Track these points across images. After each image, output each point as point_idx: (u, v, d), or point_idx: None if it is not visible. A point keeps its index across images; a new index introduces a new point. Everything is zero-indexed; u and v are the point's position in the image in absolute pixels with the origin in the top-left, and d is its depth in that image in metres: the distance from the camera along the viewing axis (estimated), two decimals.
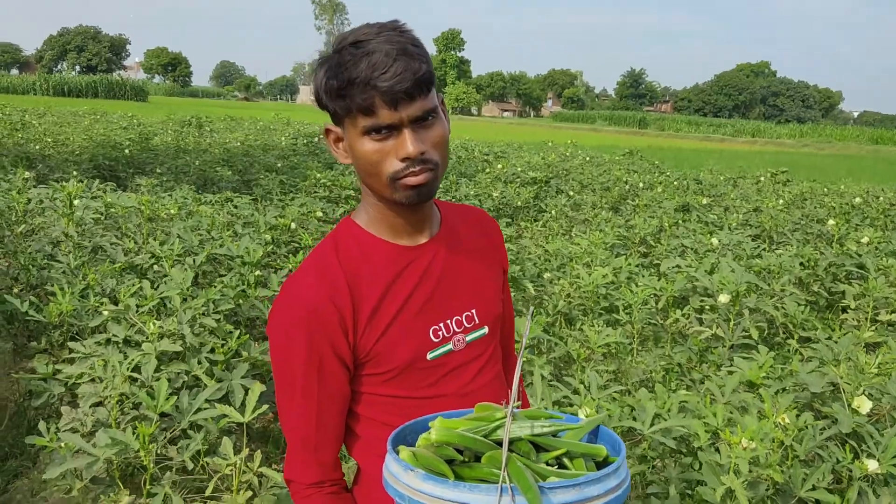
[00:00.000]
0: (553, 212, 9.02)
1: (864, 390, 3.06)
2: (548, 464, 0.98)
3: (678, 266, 5.65)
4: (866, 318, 5.49)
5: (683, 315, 5.04)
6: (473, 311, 1.30)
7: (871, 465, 2.68)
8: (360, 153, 1.14)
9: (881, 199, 11.62)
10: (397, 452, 0.97)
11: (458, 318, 1.28)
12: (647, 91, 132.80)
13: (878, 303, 5.54)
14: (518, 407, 1.14)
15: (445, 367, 1.25)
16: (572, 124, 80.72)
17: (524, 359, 1.43)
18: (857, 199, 11.09)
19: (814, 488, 2.59)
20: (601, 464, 1.02)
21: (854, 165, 30.47)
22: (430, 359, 1.23)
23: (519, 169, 12.25)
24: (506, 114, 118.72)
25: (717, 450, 2.75)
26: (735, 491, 2.38)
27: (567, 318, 5.33)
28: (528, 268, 6.15)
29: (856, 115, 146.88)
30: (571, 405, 3.19)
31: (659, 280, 5.50)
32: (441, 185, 10.59)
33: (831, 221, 7.63)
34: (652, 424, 2.89)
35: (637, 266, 6.34)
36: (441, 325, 1.25)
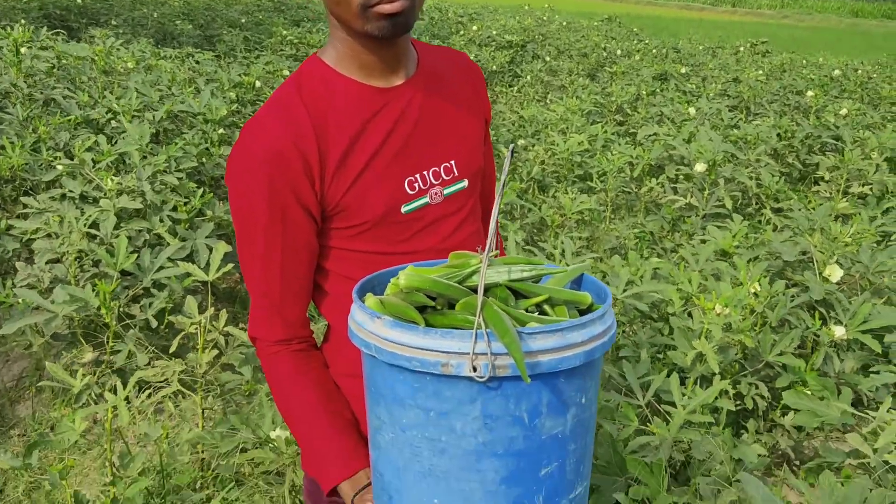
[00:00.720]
0: (529, 77, 8.74)
1: (836, 259, 3.05)
2: (527, 311, 0.89)
3: (655, 134, 5.54)
4: (838, 190, 5.48)
5: (658, 184, 4.97)
6: (452, 162, 1.18)
7: (838, 332, 2.70)
8: None
9: (859, 71, 11.46)
10: (363, 301, 0.87)
11: (436, 169, 1.15)
12: None
13: (851, 175, 5.53)
14: (495, 256, 1.05)
15: (421, 221, 1.14)
16: None
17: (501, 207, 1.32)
18: (836, 72, 10.92)
19: (781, 353, 2.62)
20: (585, 312, 0.94)
21: (833, 38, 29.96)
22: (405, 212, 1.12)
23: (494, 32, 11.78)
24: None
25: (690, 315, 2.75)
26: (706, 355, 2.38)
27: (540, 185, 5.24)
28: (502, 134, 5.98)
29: None
30: None
31: (635, 148, 5.39)
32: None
33: (810, 93, 7.50)
34: (625, 290, 2.87)
35: (613, 134, 6.21)
36: (417, 176, 1.13)
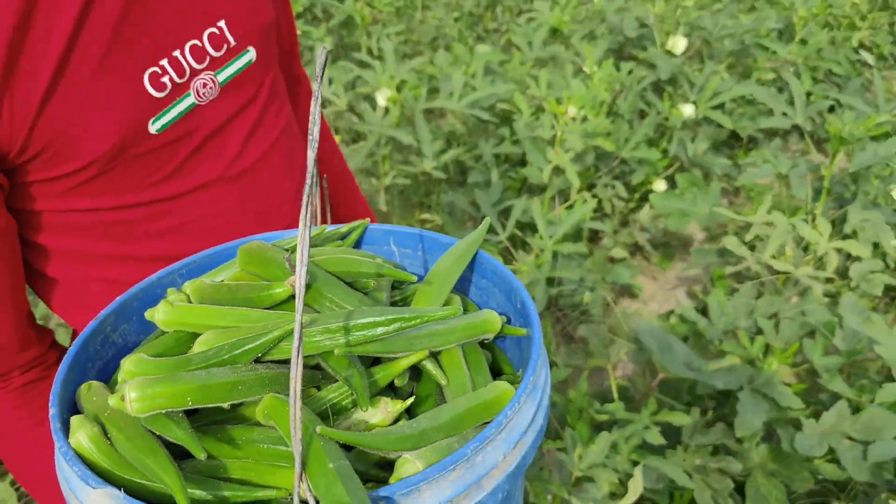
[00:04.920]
0: None
1: (681, 28, 2.79)
2: (391, 388, 0.48)
3: None
4: None
5: None
6: (222, 23, 0.69)
7: (688, 111, 2.51)
8: None
9: None
10: (69, 428, 0.43)
11: (196, 42, 0.67)
12: None
13: None
14: (324, 231, 0.61)
15: (189, 140, 0.68)
16: None
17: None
18: None
19: (636, 147, 2.40)
20: (495, 346, 0.56)
21: None
22: (158, 130, 0.65)
23: None
24: None
25: (537, 117, 2.43)
26: (564, 168, 2.10)
27: None
28: None
29: None
30: (367, 84, 2.68)
31: None
32: None
33: None
34: (461, 98, 2.48)
35: None
36: (164, 62, 0.64)
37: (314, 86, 0.37)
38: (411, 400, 0.46)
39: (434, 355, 0.49)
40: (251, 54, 0.72)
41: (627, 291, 2.50)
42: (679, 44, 2.73)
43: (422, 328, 0.48)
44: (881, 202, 1.94)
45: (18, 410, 0.70)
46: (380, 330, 0.45)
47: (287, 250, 0.55)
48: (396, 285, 0.57)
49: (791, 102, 2.72)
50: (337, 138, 2.77)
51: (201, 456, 0.40)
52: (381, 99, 2.37)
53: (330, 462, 0.38)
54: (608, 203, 2.41)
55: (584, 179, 2.42)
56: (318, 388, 0.47)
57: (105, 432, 0.43)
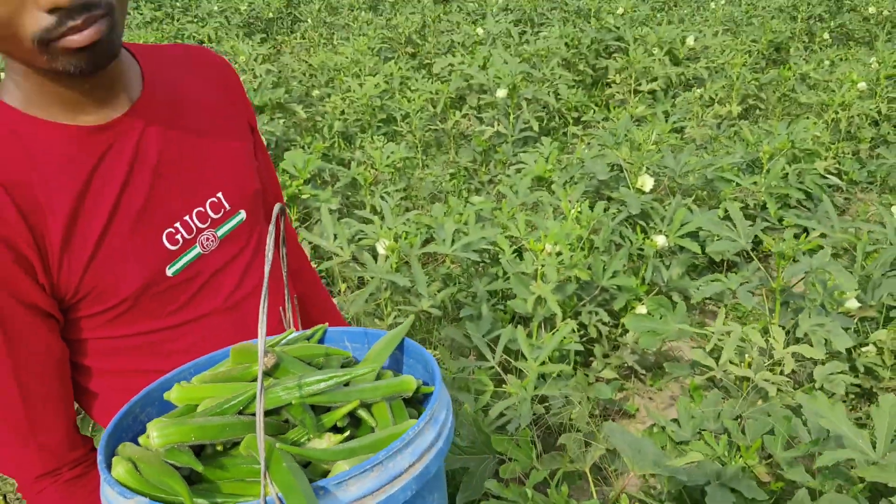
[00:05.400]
0: (309, 20, 8.30)
1: (646, 168, 3.10)
2: (336, 428, 0.70)
3: (451, 65, 5.42)
4: (630, 91, 5.67)
5: (463, 115, 4.89)
6: (220, 195, 0.94)
7: (660, 241, 2.75)
8: None
9: None
10: (111, 466, 0.64)
11: (200, 209, 0.92)
12: None
13: (638, 73, 5.73)
14: (292, 332, 0.84)
15: (198, 278, 0.92)
16: None
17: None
18: None
19: (614, 275, 2.63)
20: (413, 399, 0.76)
21: None
22: (173, 273, 0.89)
23: None
24: None
25: (521, 257, 2.69)
26: (545, 298, 2.32)
27: (345, 137, 5.00)
28: (294, 88, 5.62)
29: None
30: (368, 236, 2.97)
31: (433, 82, 5.26)
32: (180, 3, 9.29)
33: None
34: (453, 242, 2.75)
35: (409, 69, 6.03)
36: (177, 225, 0.89)
37: (269, 240, 0.59)
38: (347, 433, 0.67)
39: (367, 407, 0.70)
40: (242, 215, 0.97)
41: (625, 413, 2.64)
42: (647, 182, 3.04)
43: (356, 386, 0.70)
44: (830, 308, 2.12)
45: (65, 500, 0.90)
46: (322, 385, 0.67)
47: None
48: (345, 364, 0.78)
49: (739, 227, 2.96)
50: (342, 286, 3.04)
51: (199, 469, 0.61)
52: (381, 248, 2.64)
53: (284, 463, 0.58)
54: (593, 328, 2.61)
55: (570, 308, 2.64)
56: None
57: (136, 467, 0.64)
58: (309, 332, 0.83)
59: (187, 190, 0.90)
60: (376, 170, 3.77)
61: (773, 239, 2.35)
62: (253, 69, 5.22)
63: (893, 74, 4.61)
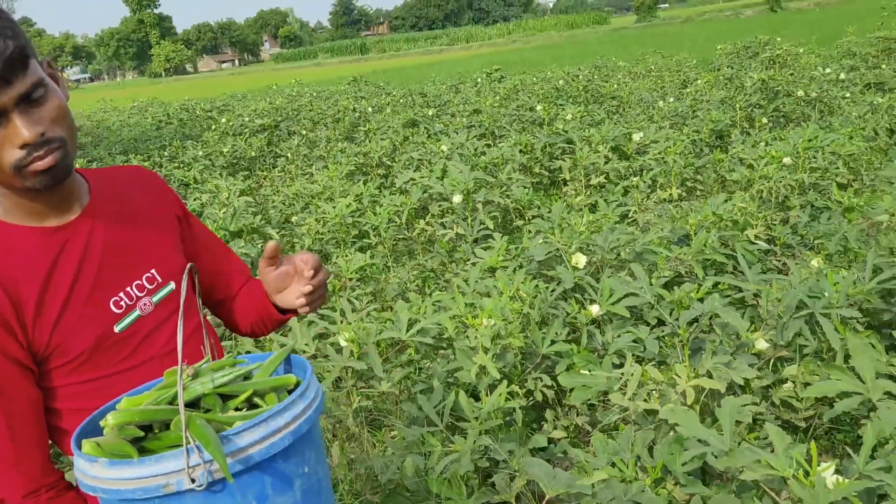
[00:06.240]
0: (289, 155, 8.91)
1: (578, 248, 3.46)
2: (237, 409, 1.01)
3: (412, 179, 5.89)
4: (582, 186, 6.13)
5: (427, 223, 5.30)
6: (153, 271, 1.26)
7: (594, 310, 3.06)
8: None
9: (580, 77, 12.83)
10: (81, 448, 0.94)
11: (139, 282, 1.24)
12: (360, 16, 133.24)
13: (588, 170, 6.20)
14: (209, 361, 1.15)
15: (138, 334, 1.22)
16: (295, 63, 79.03)
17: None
18: (561, 82, 12.15)
19: (553, 343, 2.92)
20: (295, 391, 1.06)
21: (557, 52, 33.14)
22: (119, 331, 1.20)
23: (246, 119, 11.86)
24: (225, 65, 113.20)
25: (468, 336, 2.99)
26: (486, 366, 2.62)
27: (322, 254, 5.38)
28: (273, 216, 6.07)
29: (550, 5, 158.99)
30: (334, 334, 3.28)
31: (399, 196, 5.71)
32: (167, 153, 9.98)
33: (539, 106, 8.31)
34: (409, 329, 3.06)
35: (378, 188, 6.51)
36: (121, 294, 1.21)
37: (183, 283, 0.93)
38: (244, 412, 0.98)
39: (261, 396, 1.01)
40: (172, 285, 1.30)
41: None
42: (581, 260, 3.38)
43: (250, 381, 1.02)
44: (728, 346, 2.41)
45: None
46: (226, 378, 0.99)
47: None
48: (248, 376, 1.09)
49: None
50: None
51: (140, 434, 0.91)
52: (342, 341, 2.95)
53: (199, 422, 0.89)
54: (539, 393, 2.88)
55: (516, 376, 2.92)
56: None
57: (98, 445, 0.94)
58: (225, 360, 1.14)
59: (128, 268, 1.23)
60: (345, 278, 4.12)
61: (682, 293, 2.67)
62: (232, 203, 5.68)
63: (810, 147, 5.06)
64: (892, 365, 2.24)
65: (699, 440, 1.80)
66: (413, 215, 5.52)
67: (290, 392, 1.06)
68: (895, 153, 6.23)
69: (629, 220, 4.98)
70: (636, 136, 6.71)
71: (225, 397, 1.02)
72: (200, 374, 1.03)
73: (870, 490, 1.54)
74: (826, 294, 2.87)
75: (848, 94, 8.01)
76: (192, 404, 1.00)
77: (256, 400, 1.03)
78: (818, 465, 1.49)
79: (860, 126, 6.25)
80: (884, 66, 9.32)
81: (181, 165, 8.63)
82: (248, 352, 3.33)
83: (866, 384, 1.95)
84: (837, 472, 1.51)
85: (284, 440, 0.92)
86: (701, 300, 2.56)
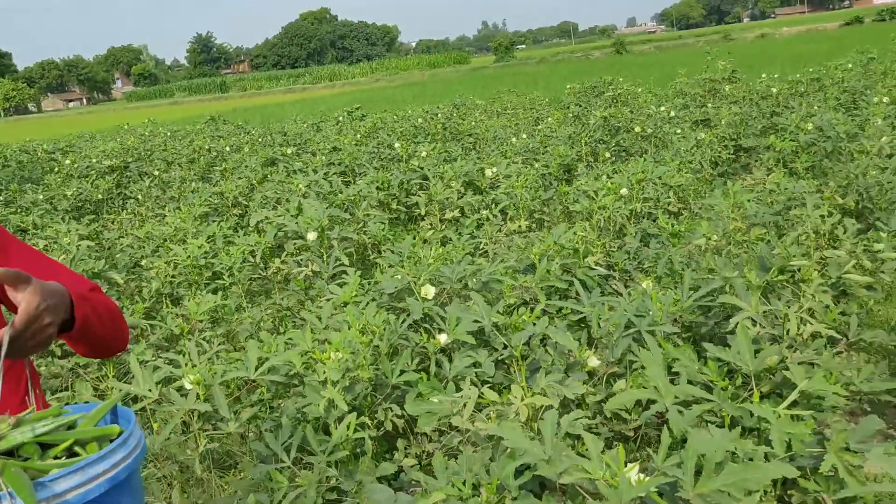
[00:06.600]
0: (139, 196, 8.58)
1: (427, 279, 3.56)
2: (56, 457, 1.01)
3: (267, 218, 5.84)
4: (437, 220, 6.30)
5: (283, 262, 5.27)
6: None
7: (443, 339, 3.16)
8: None
9: (439, 115, 13.20)
10: None
11: None
12: (220, 54, 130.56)
13: (442, 204, 6.38)
14: (33, 411, 1.14)
15: None
16: (150, 102, 76.18)
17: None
18: (420, 120, 12.44)
19: (402, 373, 2.99)
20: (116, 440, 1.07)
21: (419, 91, 33.88)
22: None
23: (93, 160, 11.31)
24: (72, 104, 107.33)
25: (316, 371, 3.00)
26: (334, 399, 2.64)
27: (172, 298, 5.22)
28: (120, 260, 5.83)
29: (414, 44, 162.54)
30: (179, 378, 3.19)
31: (254, 235, 5.64)
32: (2, 197, 9.34)
33: (397, 144, 8.48)
34: (258, 368, 3.03)
35: (233, 228, 6.40)
36: None
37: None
38: (63, 460, 0.98)
39: (83, 445, 1.01)
40: None
41: None
42: (430, 291, 3.48)
43: (74, 431, 1.02)
44: (561, 364, 2.57)
45: None
46: (47, 428, 1.00)
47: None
48: (72, 426, 1.09)
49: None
50: (155, 425, 3.21)
51: None
52: (187, 383, 2.88)
53: (13, 469, 0.89)
54: (389, 423, 2.93)
55: (367, 407, 2.96)
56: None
57: None
58: (52, 410, 1.13)
59: None
60: (194, 320, 4.01)
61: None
62: (72, 248, 5.40)
63: (643, 179, 5.47)
64: (703, 373, 2.46)
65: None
66: (269, 254, 5.47)
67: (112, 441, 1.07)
68: (718, 183, 6.83)
69: (481, 252, 5.16)
70: (489, 172, 6.98)
71: (47, 447, 1.02)
72: (22, 424, 1.03)
73: (672, 485, 1.70)
74: (650, 313, 3.12)
75: (679, 130, 8.70)
76: (10, 453, 1.00)
77: (77, 449, 1.04)
78: (625, 466, 1.63)
79: (688, 159, 6.81)
80: (709, 105, 10.19)
81: (18, 210, 8.11)
82: (87, 401, 3.18)
83: (659, 392, 2.14)
84: (644, 471, 1.66)
85: (101, 486, 0.96)
86: (534, 323, 2.71)
